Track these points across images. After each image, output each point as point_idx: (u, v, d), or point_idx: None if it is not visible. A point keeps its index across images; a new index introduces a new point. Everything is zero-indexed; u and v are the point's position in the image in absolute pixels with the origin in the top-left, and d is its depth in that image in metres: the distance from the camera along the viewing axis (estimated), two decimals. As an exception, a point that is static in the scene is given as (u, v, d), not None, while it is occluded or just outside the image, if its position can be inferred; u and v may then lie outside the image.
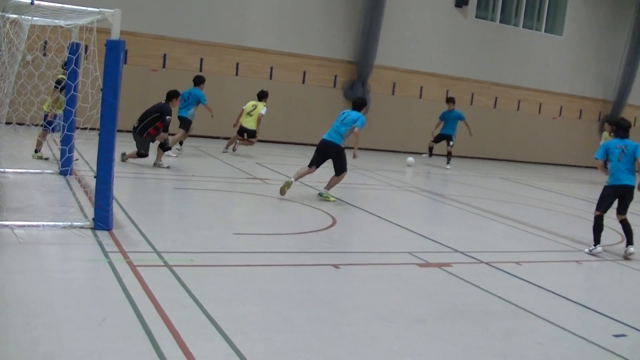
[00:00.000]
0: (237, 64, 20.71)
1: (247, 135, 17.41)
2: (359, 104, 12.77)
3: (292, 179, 12.16)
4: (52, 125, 12.28)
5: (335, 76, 22.18)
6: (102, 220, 8.05)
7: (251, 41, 20.79)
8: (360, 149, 20.88)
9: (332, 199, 12.34)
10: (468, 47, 24.24)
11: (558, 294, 7.90)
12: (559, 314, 7.18)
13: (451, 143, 20.37)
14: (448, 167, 20.39)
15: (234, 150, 17.89)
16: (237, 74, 20.58)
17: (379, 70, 22.48)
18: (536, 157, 26.08)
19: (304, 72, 21.71)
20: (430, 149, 20.96)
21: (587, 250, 10.45)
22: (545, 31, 26.38)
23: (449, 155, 20.63)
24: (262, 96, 17.63)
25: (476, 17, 24.57)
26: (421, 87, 23.51)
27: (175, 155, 15.54)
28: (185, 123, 16.11)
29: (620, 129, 10.72)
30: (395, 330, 6.03)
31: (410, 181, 15.71)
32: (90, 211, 8.41)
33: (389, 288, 7.35)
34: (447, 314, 6.70)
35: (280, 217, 10.61)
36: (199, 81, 16.61)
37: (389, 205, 12.82)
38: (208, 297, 6.14)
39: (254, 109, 17.38)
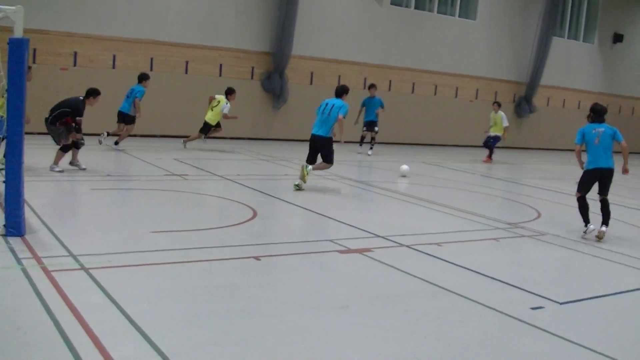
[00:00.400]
0: (152, 59, 20.43)
1: (204, 129, 18.29)
2: (341, 91, 13.61)
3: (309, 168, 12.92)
4: None
5: (252, 68, 22.08)
6: (14, 226, 7.80)
7: (165, 35, 20.51)
8: (281, 139, 21.01)
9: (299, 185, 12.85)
10: (385, 34, 24.41)
11: (477, 272, 8.04)
12: (478, 290, 7.30)
13: (376, 129, 20.58)
14: (370, 152, 20.57)
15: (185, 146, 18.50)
16: (151, 69, 20.27)
17: (296, 60, 22.47)
18: (455, 140, 26.48)
19: (220, 65, 21.54)
20: (363, 137, 21.16)
21: (582, 233, 10.72)
22: (459, 16, 26.75)
23: (372, 141, 20.87)
24: (227, 92, 18.37)
25: (391, 3, 24.75)
26: (339, 76, 23.57)
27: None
28: (126, 118, 16.90)
29: (597, 114, 10.92)
30: (318, 318, 6.04)
31: (331, 169, 15.73)
32: (0, 217, 8.17)
33: (311, 276, 7.36)
34: (369, 298, 6.74)
35: (200, 213, 10.51)
36: (141, 78, 17.17)
37: (310, 194, 12.83)
38: (127, 298, 6.03)
39: (218, 104, 17.99)
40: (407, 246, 8.99)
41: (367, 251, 8.50)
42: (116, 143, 17.07)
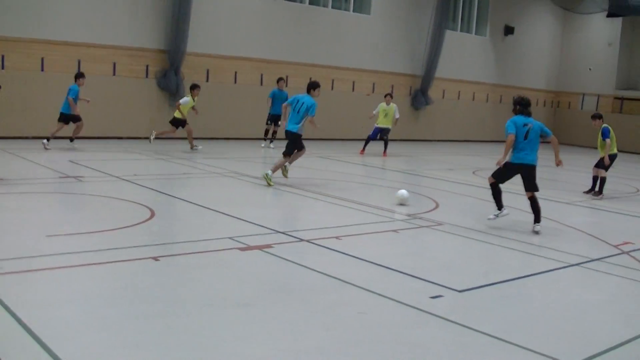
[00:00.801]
0: (42, 59, 19.83)
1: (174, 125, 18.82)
2: (310, 87, 14.35)
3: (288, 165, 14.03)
4: None
5: (147, 66, 21.70)
6: None
7: (56, 34, 19.91)
8: (179, 138, 20.74)
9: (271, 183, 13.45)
10: (280, 29, 24.38)
11: (377, 264, 8.13)
12: (378, 282, 7.39)
13: (280, 123, 20.60)
14: (271, 146, 20.60)
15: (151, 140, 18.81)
16: (42, 70, 19.70)
17: (192, 58, 22.20)
18: (352, 134, 26.64)
19: (114, 64, 21.09)
20: (267, 132, 21.17)
21: (492, 216, 10.82)
22: (353, 11, 26.94)
23: (273, 135, 20.92)
24: (191, 88, 18.99)
25: (286, -1, 24.79)
26: (235, 72, 23.44)
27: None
28: (65, 118, 17.60)
29: (524, 106, 10.78)
30: (219, 317, 6.00)
31: (230, 167, 15.64)
32: None
33: (211, 275, 7.29)
34: (270, 294, 6.73)
35: (96, 215, 10.25)
36: (76, 76, 17.92)
37: (209, 192, 12.74)
38: (21, 304, 5.85)
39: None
40: (307, 241, 9.02)
41: (267, 247, 8.48)
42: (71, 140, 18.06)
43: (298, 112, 13.90)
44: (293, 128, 13.94)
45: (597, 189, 15.69)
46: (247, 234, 9.17)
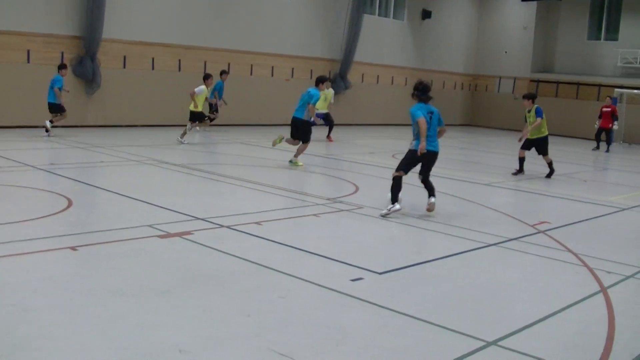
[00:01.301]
0: (-50, 48, 19.20)
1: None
2: (317, 81, 15.77)
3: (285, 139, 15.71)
4: None
5: (62, 53, 21.18)
6: None
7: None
8: (96, 126, 20.36)
9: (300, 163, 15.24)
10: (198, 15, 24.08)
11: (298, 248, 8.14)
12: (299, 266, 7.40)
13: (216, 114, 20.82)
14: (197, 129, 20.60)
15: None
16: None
17: (108, 44, 21.76)
18: (272, 119, 26.55)
19: (28, 51, 20.52)
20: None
21: (384, 211, 10.36)
22: (272, -5, 26.87)
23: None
24: (204, 78, 19.81)
25: (204, -15, 24.50)
26: (153, 59, 23.09)
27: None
28: (52, 108, 18.55)
29: (422, 92, 10.57)
30: (139, 305, 5.93)
31: (150, 154, 15.43)
32: None
33: (130, 263, 7.19)
34: (190, 281, 6.68)
35: (11, 205, 9.96)
36: (59, 67, 18.88)
37: (128, 180, 12.54)
38: None
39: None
40: (228, 227, 8.97)
41: (187, 234, 8.41)
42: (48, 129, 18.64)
43: (302, 99, 15.52)
44: (299, 115, 15.51)
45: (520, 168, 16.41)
46: (167, 222, 9.07)
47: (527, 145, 16.35)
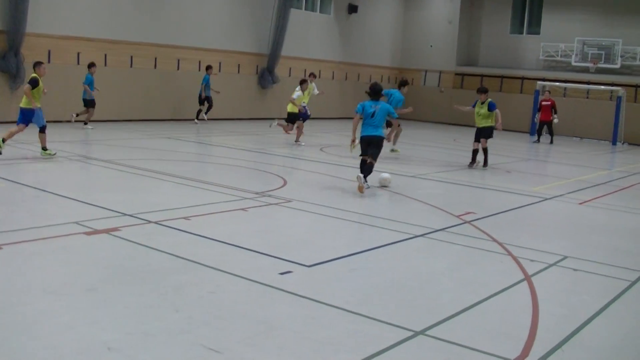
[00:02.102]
0: None
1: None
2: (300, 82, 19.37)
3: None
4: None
5: (-17, 47, 20.65)
6: None
7: None
8: (16, 122, 19.90)
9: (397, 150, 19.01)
10: (124, 9, 23.71)
11: (227, 243, 8.14)
12: (228, 261, 7.40)
13: None
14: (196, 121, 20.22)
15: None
16: None
17: (32, 38, 21.25)
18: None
19: (-53, 46, 19.94)
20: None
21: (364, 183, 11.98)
22: (197, -11, 26.63)
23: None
24: (301, 82, 20.64)
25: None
26: (78, 53, 22.67)
27: None
28: (86, 103, 20.71)
29: (373, 92, 12.48)
30: (66, 303, 5.86)
31: (76, 150, 15.17)
32: None
33: (56, 261, 7.09)
34: (118, 278, 6.61)
35: None
36: (89, 65, 20.60)
37: (54, 177, 12.32)
38: None
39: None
40: (155, 222, 8.89)
41: (114, 230, 8.31)
42: (85, 123, 20.73)
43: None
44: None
45: (479, 160, 17.33)
46: (94, 218, 8.95)
47: (477, 136, 17.21)
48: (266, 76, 28.87)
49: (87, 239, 7.96)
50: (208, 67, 24.75)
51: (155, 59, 24.82)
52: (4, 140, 13.72)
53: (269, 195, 11.35)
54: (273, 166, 15.56)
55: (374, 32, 35.37)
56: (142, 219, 9.04)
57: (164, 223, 8.89)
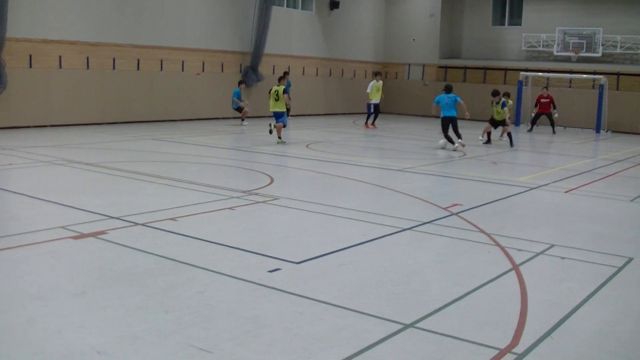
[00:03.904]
0: None
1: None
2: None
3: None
4: None
5: (-37, 54, 20.50)
6: None
7: None
8: (2, 128, 19.81)
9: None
10: (104, 11, 23.60)
11: (215, 242, 8.13)
12: (216, 260, 7.39)
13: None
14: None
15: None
16: None
17: (12, 43, 21.12)
18: (184, 114, 26.27)
19: None
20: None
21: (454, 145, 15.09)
22: (178, -11, 26.54)
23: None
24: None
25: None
26: (60, 57, 22.57)
27: None
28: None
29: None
30: (54, 308, 5.83)
31: (60, 154, 15.11)
32: None
33: (42, 267, 7.06)
34: (106, 281, 6.59)
35: None
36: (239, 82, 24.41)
37: (39, 181, 12.25)
38: None
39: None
40: (142, 224, 8.87)
41: (101, 234, 8.29)
42: None
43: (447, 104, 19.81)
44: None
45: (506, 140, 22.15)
46: (80, 222, 8.92)
47: (495, 125, 22.30)
48: (250, 74, 28.82)
49: (74, 243, 7.94)
50: (240, 82, 26.55)
51: (138, 60, 24.74)
52: None
53: (256, 194, 11.34)
54: (259, 164, 15.54)
55: (356, 28, 35.37)
56: (128, 221, 9.02)
57: (150, 225, 8.87)
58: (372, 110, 26.22)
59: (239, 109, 25.58)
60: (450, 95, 19.48)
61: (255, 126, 23.85)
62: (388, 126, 27.26)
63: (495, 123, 22.28)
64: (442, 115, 19.43)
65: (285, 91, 19.54)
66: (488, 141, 22.11)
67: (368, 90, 26.03)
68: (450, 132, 19.45)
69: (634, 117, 29.54)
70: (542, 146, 22.84)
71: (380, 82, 26.21)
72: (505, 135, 22.43)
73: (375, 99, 25.92)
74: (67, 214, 9.48)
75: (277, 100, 19.60)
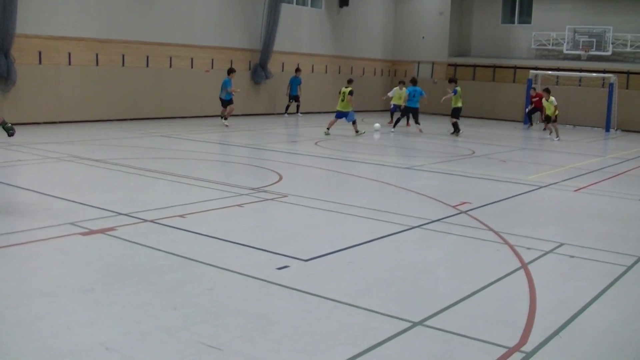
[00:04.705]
0: None
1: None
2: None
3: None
4: None
5: (-27, 50, 20.57)
6: None
7: None
8: (13, 124, 19.82)
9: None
10: (114, 7, 23.64)
11: (223, 239, 8.13)
12: (224, 258, 7.40)
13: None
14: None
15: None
16: None
17: (22, 40, 21.19)
18: (193, 111, 26.29)
19: None
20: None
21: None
22: (186, -14, 26.54)
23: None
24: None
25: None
26: (69, 53, 22.62)
27: None
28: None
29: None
30: (62, 304, 5.85)
31: (68, 151, 15.14)
32: None
33: (51, 263, 7.07)
34: (114, 277, 6.60)
35: None
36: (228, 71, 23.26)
37: (48, 178, 12.29)
38: None
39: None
40: (151, 221, 8.88)
41: (110, 230, 8.30)
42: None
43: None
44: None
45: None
46: (89, 218, 8.93)
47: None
48: (259, 72, 28.82)
49: (82, 240, 7.95)
50: (297, 70, 28.60)
51: (147, 57, 24.77)
52: None
53: (265, 191, 11.35)
54: (268, 161, 15.53)
55: (365, 25, 35.33)
56: (137, 218, 9.03)
57: (159, 221, 8.88)
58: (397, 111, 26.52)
59: (228, 102, 23.83)
60: (417, 88, 23.19)
61: (262, 123, 23.83)
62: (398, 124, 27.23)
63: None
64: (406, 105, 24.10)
65: (351, 93, 21.50)
66: (455, 131, 23.69)
67: (390, 95, 27.41)
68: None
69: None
70: (551, 145, 22.75)
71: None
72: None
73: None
74: (75, 211, 9.48)
75: (342, 100, 21.50)
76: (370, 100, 33.61)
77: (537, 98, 27.64)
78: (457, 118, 23.86)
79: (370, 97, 33.66)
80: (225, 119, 23.43)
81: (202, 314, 5.69)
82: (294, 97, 28.76)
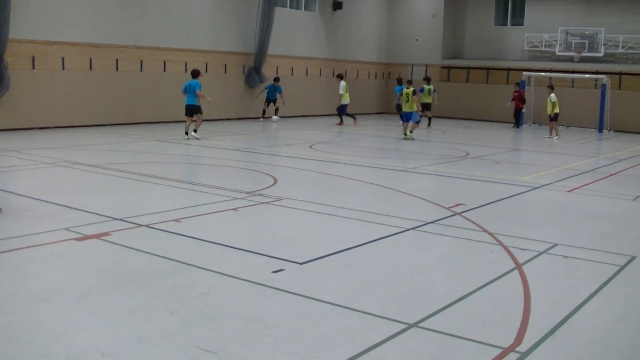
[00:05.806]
0: None
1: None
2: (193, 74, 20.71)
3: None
4: None
5: (-34, 56, 20.53)
6: None
7: None
8: (6, 130, 19.85)
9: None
10: (107, 12, 23.63)
11: (218, 243, 8.15)
12: (220, 261, 7.41)
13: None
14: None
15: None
16: None
17: (15, 45, 21.15)
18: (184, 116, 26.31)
19: None
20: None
21: None
22: (180, -10, 26.55)
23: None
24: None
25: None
26: (63, 58, 22.61)
27: None
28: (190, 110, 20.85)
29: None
30: (58, 310, 5.86)
31: (62, 156, 15.14)
32: None
33: (46, 268, 7.07)
34: (110, 282, 6.61)
35: None
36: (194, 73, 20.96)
37: (42, 183, 12.28)
38: None
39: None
40: (146, 226, 8.89)
41: (105, 235, 8.31)
42: None
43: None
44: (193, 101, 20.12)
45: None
46: (84, 224, 8.94)
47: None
48: (253, 75, 28.83)
49: (77, 245, 7.96)
50: (276, 79, 27.74)
51: (141, 61, 24.77)
52: None
53: (260, 195, 11.36)
54: (263, 165, 15.55)
55: (359, 28, 35.38)
56: (132, 223, 9.04)
57: (154, 226, 8.89)
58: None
59: (197, 109, 20.48)
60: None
61: (256, 126, 23.87)
62: (391, 127, 27.28)
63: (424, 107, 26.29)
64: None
65: (414, 93, 22.22)
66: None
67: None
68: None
69: (636, 116, 29.63)
70: (545, 146, 22.81)
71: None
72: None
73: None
74: (70, 216, 9.49)
75: (407, 101, 22.16)
76: (365, 102, 33.67)
77: (517, 94, 28.69)
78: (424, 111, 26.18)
79: (365, 99, 33.72)
80: (195, 131, 20.16)
81: (198, 318, 5.71)
82: (272, 101, 28.02)
